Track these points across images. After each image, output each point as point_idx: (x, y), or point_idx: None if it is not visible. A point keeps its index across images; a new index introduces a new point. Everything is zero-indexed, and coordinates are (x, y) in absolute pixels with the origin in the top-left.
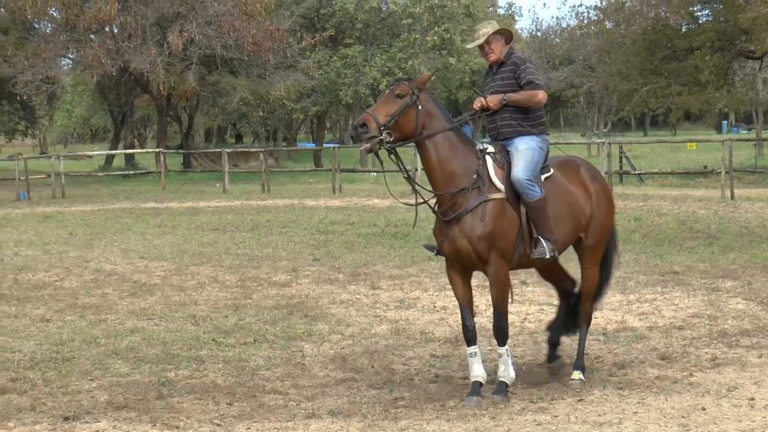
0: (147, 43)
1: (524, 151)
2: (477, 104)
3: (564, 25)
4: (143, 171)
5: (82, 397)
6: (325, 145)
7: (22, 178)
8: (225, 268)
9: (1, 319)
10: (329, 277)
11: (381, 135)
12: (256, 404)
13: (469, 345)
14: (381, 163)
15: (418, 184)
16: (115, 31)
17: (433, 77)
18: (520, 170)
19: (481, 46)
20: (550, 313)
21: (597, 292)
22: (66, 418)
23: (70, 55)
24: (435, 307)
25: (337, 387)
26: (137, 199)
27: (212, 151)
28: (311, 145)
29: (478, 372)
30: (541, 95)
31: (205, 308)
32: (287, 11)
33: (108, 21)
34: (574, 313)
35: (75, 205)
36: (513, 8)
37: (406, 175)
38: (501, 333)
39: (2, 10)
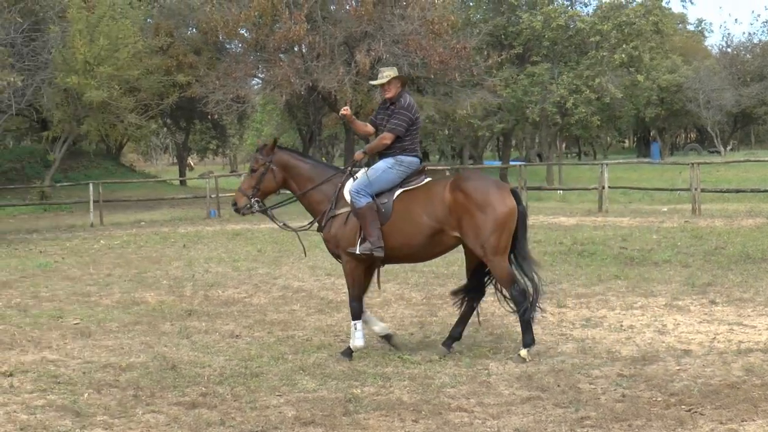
0: (335, 62)
1: (369, 169)
2: (355, 158)
3: (756, 40)
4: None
5: (270, 412)
6: (511, 162)
7: (212, 195)
8: (411, 286)
9: (192, 335)
10: None
11: (251, 202)
12: (442, 421)
13: (354, 319)
14: (274, 219)
15: (291, 228)
16: (304, 50)
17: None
18: (354, 185)
19: (381, 85)
20: (740, 333)
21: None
22: None
23: (259, 75)
24: (622, 326)
25: (523, 405)
26: None
27: None
28: (497, 163)
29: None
30: (387, 139)
31: (391, 325)
32: (474, 29)
33: (297, 41)
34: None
35: (263, 222)
36: (703, 24)
37: (281, 226)
38: (353, 311)
39: (194, 30)
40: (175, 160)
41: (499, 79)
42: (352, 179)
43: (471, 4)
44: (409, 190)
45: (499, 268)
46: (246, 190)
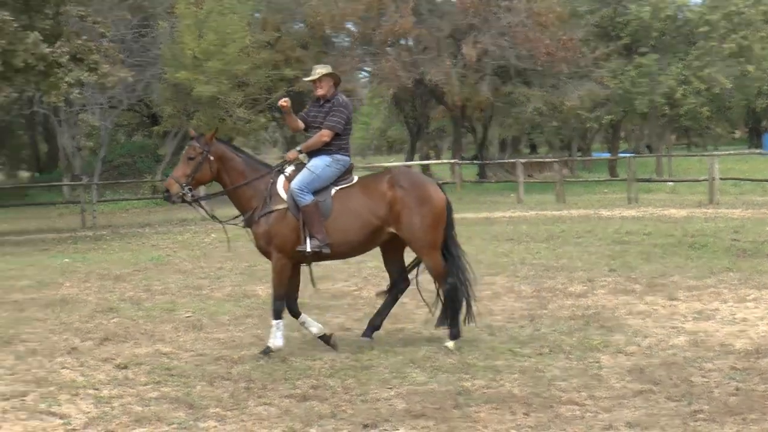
0: (442, 55)
1: (307, 167)
2: (286, 157)
3: None
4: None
5: (380, 405)
6: (620, 154)
7: None
8: (520, 279)
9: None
10: (625, 288)
11: (184, 191)
12: (553, 415)
13: (275, 318)
14: (203, 209)
15: (219, 220)
16: (411, 43)
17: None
18: (295, 182)
19: (313, 81)
20: None
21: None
22: (365, 426)
23: (366, 68)
24: (735, 318)
25: (635, 399)
26: None
27: (507, 161)
28: (606, 155)
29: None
30: (326, 136)
31: (501, 318)
32: (581, 21)
33: (404, 34)
34: (393, 302)
35: None
36: None
37: (210, 216)
38: (275, 310)
39: (302, 25)
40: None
41: (606, 71)
42: (283, 176)
43: None
44: (345, 187)
45: (435, 262)
46: (179, 178)
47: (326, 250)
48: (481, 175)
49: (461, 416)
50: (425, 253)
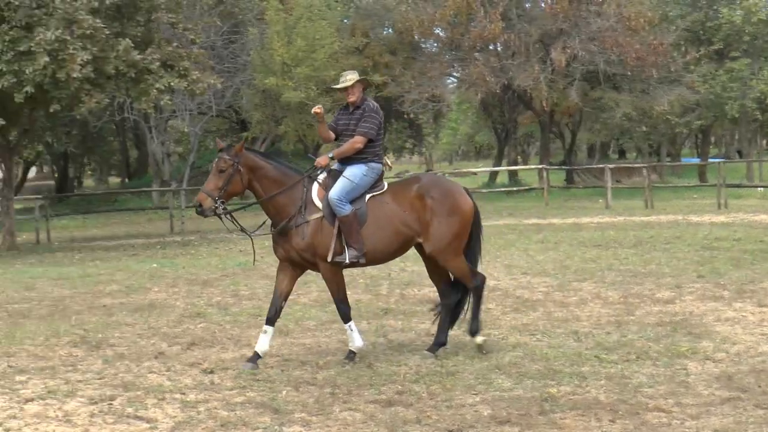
0: (530, 60)
1: (345, 176)
2: (316, 164)
3: None
4: (526, 187)
5: (465, 411)
6: (710, 159)
7: None
8: (607, 284)
9: (388, 333)
10: (714, 294)
11: (216, 204)
12: (639, 422)
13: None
14: (235, 222)
15: (247, 233)
16: (499, 48)
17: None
18: (334, 192)
19: (345, 89)
20: None
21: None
22: None
23: (455, 74)
24: None
25: (722, 406)
26: (520, 215)
27: (595, 167)
28: (696, 160)
29: (263, 347)
30: (359, 143)
31: (588, 324)
32: (671, 25)
33: (492, 39)
34: (455, 309)
35: None
36: None
37: (239, 229)
38: (343, 314)
39: (390, 30)
40: None
41: (697, 75)
42: (317, 183)
43: None
44: (377, 195)
45: (460, 266)
46: (212, 191)
47: (362, 260)
48: (569, 180)
49: (546, 423)
50: (449, 260)
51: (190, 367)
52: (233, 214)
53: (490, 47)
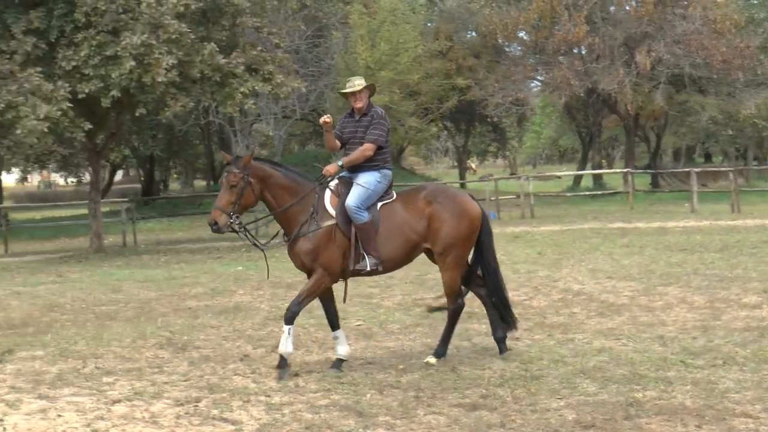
0: (615, 63)
1: (359, 184)
2: (325, 172)
3: None
4: (611, 191)
5: (550, 415)
6: None
7: (492, 198)
8: (693, 289)
9: (472, 337)
10: None
11: (231, 220)
12: (726, 428)
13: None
14: (250, 236)
15: (261, 247)
16: (584, 52)
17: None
18: (351, 199)
19: (352, 93)
20: None
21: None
22: None
23: (538, 77)
24: None
25: None
26: (605, 219)
27: (680, 170)
28: None
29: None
30: (369, 150)
31: (673, 329)
32: (759, 28)
33: (576, 43)
34: (497, 309)
35: (543, 225)
36: None
37: (252, 242)
38: (290, 314)
39: (474, 34)
40: (456, 163)
41: None
42: (329, 191)
43: (755, 2)
44: (388, 203)
45: (454, 279)
46: (225, 207)
47: (380, 268)
48: (654, 184)
49: (632, 428)
50: (450, 267)
51: (275, 369)
52: (247, 227)
53: (575, 51)
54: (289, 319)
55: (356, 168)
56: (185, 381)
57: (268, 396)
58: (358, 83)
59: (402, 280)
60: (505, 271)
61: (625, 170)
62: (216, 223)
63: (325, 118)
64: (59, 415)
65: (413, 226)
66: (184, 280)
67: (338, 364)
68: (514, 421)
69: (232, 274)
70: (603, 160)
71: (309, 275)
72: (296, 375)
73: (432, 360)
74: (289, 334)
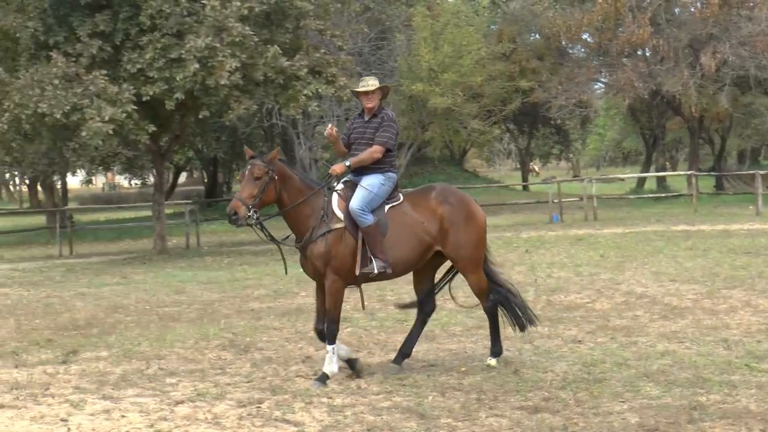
0: (679, 65)
1: (363, 186)
2: (331, 172)
3: None
4: (675, 193)
5: (613, 418)
6: None
7: (555, 200)
8: (758, 292)
9: (534, 339)
10: None
11: (250, 213)
12: None
13: (330, 343)
14: (265, 231)
15: (282, 242)
16: (648, 54)
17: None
18: (354, 202)
19: (365, 93)
20: None
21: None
22: None
23: (602, 79)
24: None
25: None
26: (668, 221)
27: (745, 173)
28: None
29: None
30: (378, 152)
31: (738, 332)
32: None
33: (641, 44)
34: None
35: (606, 227)
36: None
37: (269, 239)
38: (331, 334)
39: (537, 36)
40: (518, 166)
41: None
42: (336, 194)
43: None
44: (396, 205)
45: (479, 279)
46: (246, 199)
47: (389, 271)
48: (718, 186)
49: (695, 431)
50: (470, 270)
51: (337, 371)
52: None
53: (638, 52)
54: (331, 338)
55: (361, 170)
56: (248, 382)
57: (330, 398)
58: (371, 83)
59: (464, 282)
60: (568, 274)
61: (689, 172)
62: (236, 214)
63: (330, 131)
64: (123, 416)
65: (424, 227)
66: (246, 281)
67: (353, 363)
68: (577, 424)
69: (295, 276)
70: (667, 163)
71: (320, 283)
72: (358, 377)
73: (493, 362)
74: (333, 353)
